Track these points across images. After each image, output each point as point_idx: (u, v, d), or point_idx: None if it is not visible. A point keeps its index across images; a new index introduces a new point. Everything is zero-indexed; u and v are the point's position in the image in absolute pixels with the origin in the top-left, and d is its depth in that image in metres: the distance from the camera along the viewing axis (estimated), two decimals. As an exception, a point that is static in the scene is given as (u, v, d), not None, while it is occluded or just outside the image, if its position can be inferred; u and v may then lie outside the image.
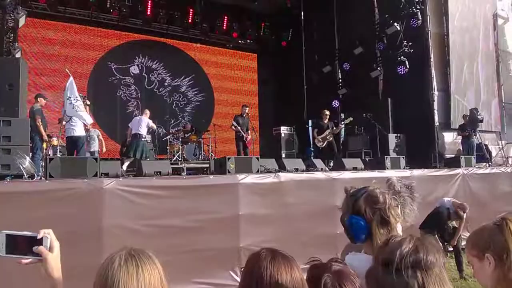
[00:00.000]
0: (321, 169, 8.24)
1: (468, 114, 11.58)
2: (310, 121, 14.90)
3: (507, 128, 14.27)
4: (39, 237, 1.32)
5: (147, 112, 9.95)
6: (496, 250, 1.50)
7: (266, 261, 1.26)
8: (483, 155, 11.36)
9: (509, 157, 13.54)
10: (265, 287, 1.22)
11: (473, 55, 13.28)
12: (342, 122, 11.06)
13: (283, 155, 11.63)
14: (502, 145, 13.33)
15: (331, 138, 10.51)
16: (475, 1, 13.54)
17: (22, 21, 9.35)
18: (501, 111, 14.18)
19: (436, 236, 6.58)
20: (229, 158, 6.95)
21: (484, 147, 11.59)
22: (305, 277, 1.36)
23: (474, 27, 13.42)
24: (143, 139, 9.51)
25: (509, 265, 1.46)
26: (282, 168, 7.70)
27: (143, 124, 9.54)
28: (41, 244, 1.31)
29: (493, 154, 12.27)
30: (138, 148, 9.20)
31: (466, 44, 13.03)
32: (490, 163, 11.47)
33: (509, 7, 15.27)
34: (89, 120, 8.15)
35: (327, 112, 10.81)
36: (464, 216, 6.53)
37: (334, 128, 10.66)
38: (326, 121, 10.74)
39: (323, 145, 10.49)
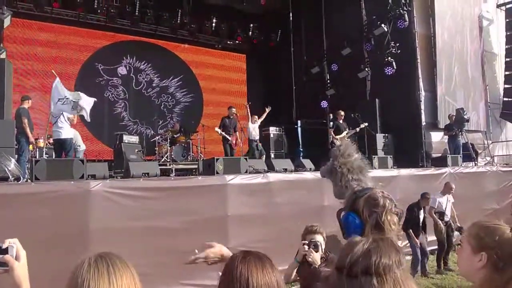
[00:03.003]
0: (310, 169, 8.27)
1: (455, 114, 11.72)
2: (299, 122, 14.96)
3: (493, 128, 14.47)
4: (4, 246, 1.31)
5: (254, 117, 11.20)
6: (495, 256, 1.44)
7: (237, 261, 1.26)
8: (469, 155, 11.51)
9: (495, 156, 13.74)
10: (236, 285, 1.22)
11: (463, 56, 13.44)
12: (358, 127, 10.84)
13: (272, 156, 11.65)
14: (487, 144, 13.54)
15: (348, 139, 10.64)
16: (462, 3, 13.71)
17: (7, 21, 9.19)
18: (486, 111, 14.38)
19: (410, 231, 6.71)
20: (217, 159, 6.94)
21: (471, 146, 11.74)
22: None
23: (463, 28, 13.58)
24: (254, 142, 11.03)
25: (510, 275, 1.39)
26: (270, 168, 7.72)
27: (250, 129, 11.10)
28: (7, 254, 1.30)
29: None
30: (249, 150, 11.16)
31: (456, 46, 13.18)
32: (476, 162, 11.63)
33: (493, 9, 15.48)
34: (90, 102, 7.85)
35: (342, 113, 10.95)
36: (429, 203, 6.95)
37: (350, 129, 10.80)
38: (341, 121, 10.91)
39: None
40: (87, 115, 7.73)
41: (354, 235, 1.85)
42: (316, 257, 2.91)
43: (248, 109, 11.26)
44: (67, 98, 7.56)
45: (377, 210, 1.78)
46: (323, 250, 3.08)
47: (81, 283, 1.09)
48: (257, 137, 11.11)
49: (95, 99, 7.97)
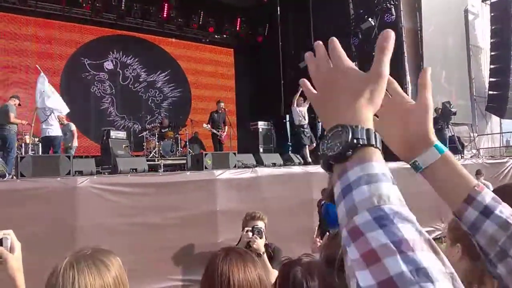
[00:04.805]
0: (299, 163, 8.29)
1: (441, 107, 11.84)
2: (287, 116, 14.95)
3: (478, 121, 14.66)
4: None
5: (300, 99, 10.30)
6: (469, 247, 1.42)
7: (219, 260, 1.27)
8: (455, 147, 11.64)
9: (481, 149, 13.93)
10: (217, 285, 1.22)
11: (449, 50, 13.57)
12: None
13: (261, 150, 11.64)
14: (473, 137, 13.71)
15: None
16: (448, -3, 13.83)
17: (-11, 15, 9.06)
18: (472, 104, 14.55)
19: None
20: (206, 154, 6.92)
21: (457, 139, 11.88)
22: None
23: (449, 23, 13.70)
24: (301, 129, 10.13)
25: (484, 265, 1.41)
26: (259, 163, 7.72)
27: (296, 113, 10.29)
28: (1, 245, 1.27)
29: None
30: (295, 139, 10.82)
31: (442, 40, 13.29)
32: (462, 155, 11.77)
33: (479, 4, 15.64)
34: (66, 110, 8.08)
35: None
36: None
37: None
38: None
39: None
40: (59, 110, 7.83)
41: (335, 225, 1.87)
42: (260, 244, 2.93)
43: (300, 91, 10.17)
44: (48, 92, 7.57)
45: None
46: (266, 236, 3.11)
47: None
48: (306, 122, 10.18)
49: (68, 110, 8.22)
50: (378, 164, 0.56)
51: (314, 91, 0.72)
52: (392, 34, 0.69)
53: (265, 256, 2.94)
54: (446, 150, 0.83)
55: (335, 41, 0.71)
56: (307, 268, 1.30)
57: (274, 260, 3.22)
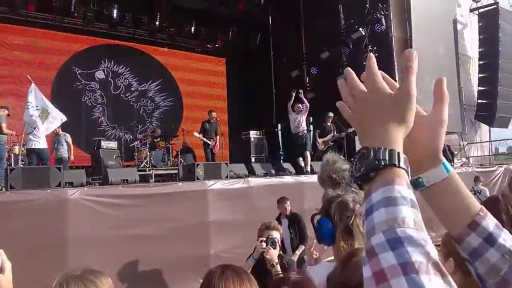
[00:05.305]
0: (290, 173, 8.31)
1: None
2: (279, 125, 15.00)
3: (468, 130, 14.81)
4: None
5: (297, 105, 10.36)
6: (460, 260, 1.47)
7: (215, 277, 1.28)
8: (446, 156, 11.71)
9: (470, 157, 14.06)
10: None
11: (438, 59, 13.71)
12: (345, 132, 10.60)
13: (253, 159, 11.64)
14: (463, 145, 13.84)
15: (332, 143, 10.56)
16: (438, 8, 14.00)
17: (-20, 25, 9.01)
18: (461, 113, 14.70)
19: None
20: (197, 164, 6.91)
21: (447, 148, 11.98)
22: None
23: (438, 32, 13.87)
24: (294, 137, 10.17)
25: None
26: (251, 173, 7.73)
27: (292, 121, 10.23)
28: None
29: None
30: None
31: (431, 49, 13.43)
32: (452, 164, 11.88)
33: (467, 13, 15.88)
34: (47, 131, 8.15)
35: (331, 114, 10.72)
36: None
37: (336, 134, 10.64)
38: (329, 124, 10.73)
39: (324, 149, 10.41)
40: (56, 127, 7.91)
41: (329, 239, 1.89)
42: (273, 254, 2.91)
43: (293, 97, 10.45)
44: (35, 106, 7.59)
45: (347, 213, 1.82)
46: (280, 247, 3.08)
47: None
48: (301, 130, 10.10)
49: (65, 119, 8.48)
50: (399, 187, 0.59)
51: (349, 111, 0.76)
52: (413, 54, 0.69)
53: (278, 267, 2.91)
54: (452, 170, 0.78)
55: (372, 60, 0.75)
56: (295, 286, 1.31)
57: (287, 272, 3.23)
